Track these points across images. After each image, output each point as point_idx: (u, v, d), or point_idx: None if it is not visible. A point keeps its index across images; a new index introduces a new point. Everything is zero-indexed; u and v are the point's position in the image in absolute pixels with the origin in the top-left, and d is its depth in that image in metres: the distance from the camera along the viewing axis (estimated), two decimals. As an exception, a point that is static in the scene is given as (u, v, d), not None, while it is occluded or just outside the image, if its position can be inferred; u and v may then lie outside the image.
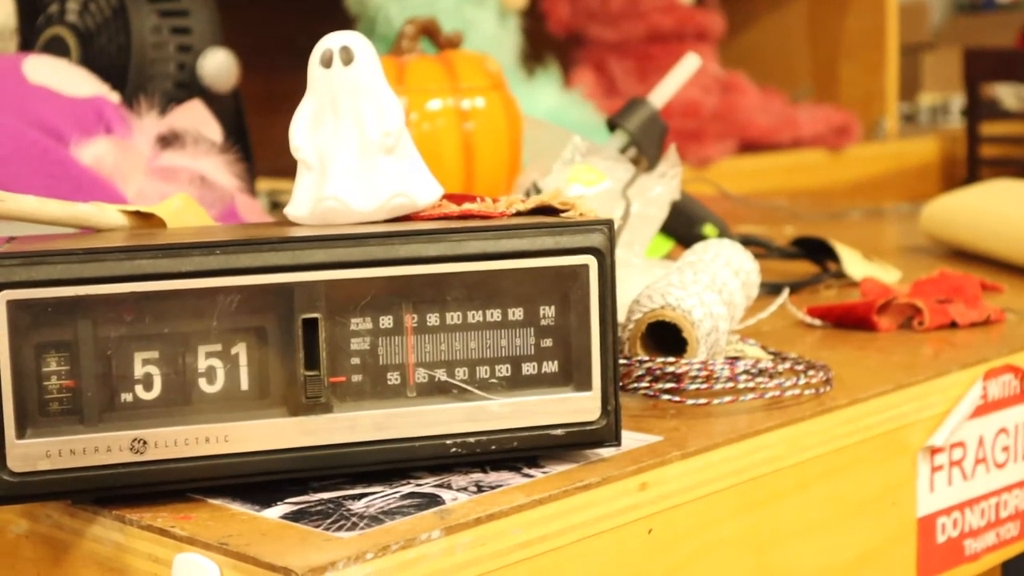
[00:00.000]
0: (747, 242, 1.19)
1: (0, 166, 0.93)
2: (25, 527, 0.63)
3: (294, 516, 0.58)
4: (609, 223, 0.64)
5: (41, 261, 0.57)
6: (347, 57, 0.66)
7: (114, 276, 0.57)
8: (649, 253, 1.07)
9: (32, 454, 0.57)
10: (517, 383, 0.63)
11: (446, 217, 0.66)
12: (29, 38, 1.20)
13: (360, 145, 0.66)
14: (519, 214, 0.67)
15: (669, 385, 0.74)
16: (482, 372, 0.63)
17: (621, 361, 0.74)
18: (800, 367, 0.79)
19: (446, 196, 0.68)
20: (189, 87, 1.16)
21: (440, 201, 0.68)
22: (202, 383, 0.59)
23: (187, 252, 0.59)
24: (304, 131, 0.66)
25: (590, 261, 0.63)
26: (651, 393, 0.74)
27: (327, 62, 0.66)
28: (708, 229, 1.15)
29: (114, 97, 1.05)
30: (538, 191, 0.99)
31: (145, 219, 0.70)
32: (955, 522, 0.86)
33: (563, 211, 0.66)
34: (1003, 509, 0.90)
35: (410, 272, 0.61)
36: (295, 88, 0.67)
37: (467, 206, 0.67)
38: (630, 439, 0.68)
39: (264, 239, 0.60)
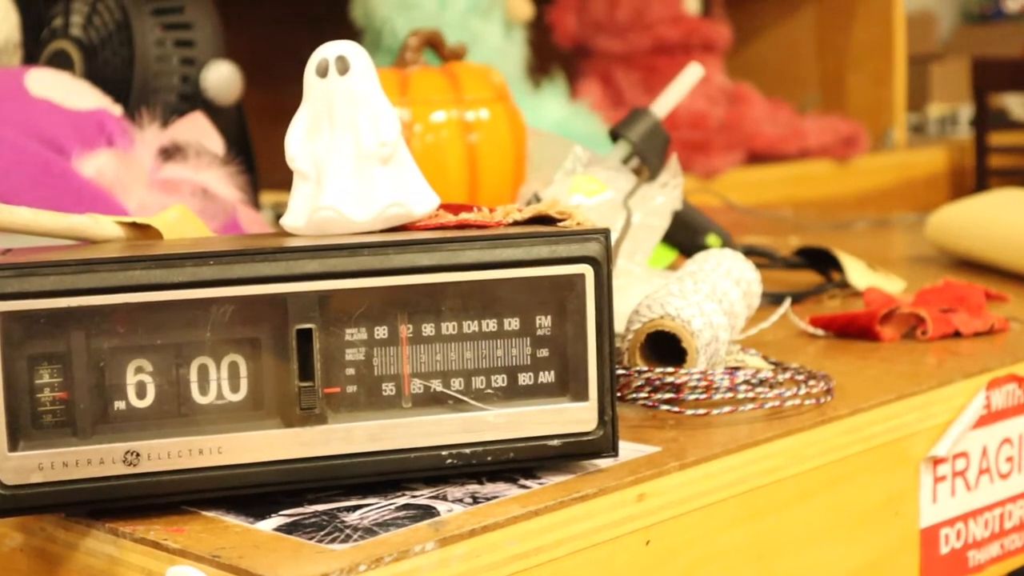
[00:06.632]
0: (751, 252, 1.19)
1: (1, 179, 0.93)
2: (19, 540, 0.63)
3: (288, 528, 0.58)
4: (606, 232, 0.63)
5: (34, 272, 0.57)
6: (343, 67, 0.65)
7: (107, 287, 0.57)
8: (652, 263, 1.07)
9: (25, 467, 0.57)
10: (513, 393, 0.63)
11: (442, 227, 0.66)
12: (33, 52, 1.20)
13: (356, 155, 0.65)
14: (516, 223, 0.66)
15: (668, 395, 0.73)
16: (478, 382, 0.62)
17: (620, 371, 0.74)
18: (801, 377, 0.78)
19: (443, 206, 0.68)
20: (193, 100, 1.16)
21: (436, 211, 0.67)
22: (196, 394, 0.59)
23: (180, 263, 0.58)
24: (300, 141, 0.66)
25: (586, 270, 0.63)
26: (650, 403, 0.74)
27: (323, 72, 0.66)
28: (711, 239, 1.14)
29: (116, 110, 1.05)
30: (539, 201, 0.99)
31: (141, 230, 0.69)
32: (958, 533, 0.85)
33: (560, 220, 0.66)
34: (1007, 520, 0.89)
35: (405, 282, 0.61)
36: (299, 101, 0.67)
37: (463, 216, 0.66)
38: (628, 450, 0.68)
39: (257, 249, 0.60)
